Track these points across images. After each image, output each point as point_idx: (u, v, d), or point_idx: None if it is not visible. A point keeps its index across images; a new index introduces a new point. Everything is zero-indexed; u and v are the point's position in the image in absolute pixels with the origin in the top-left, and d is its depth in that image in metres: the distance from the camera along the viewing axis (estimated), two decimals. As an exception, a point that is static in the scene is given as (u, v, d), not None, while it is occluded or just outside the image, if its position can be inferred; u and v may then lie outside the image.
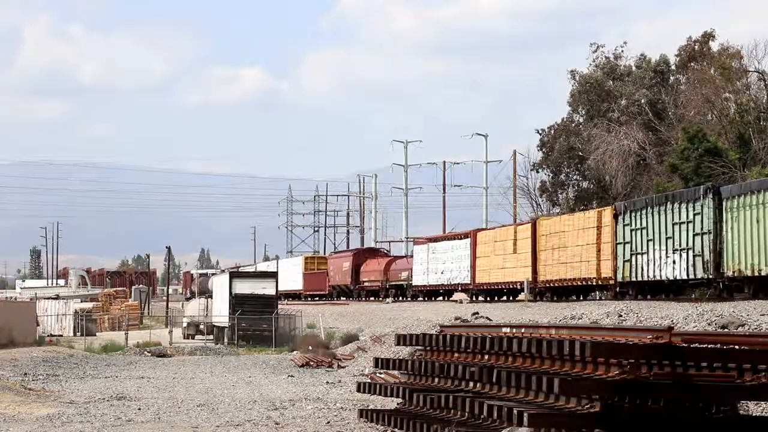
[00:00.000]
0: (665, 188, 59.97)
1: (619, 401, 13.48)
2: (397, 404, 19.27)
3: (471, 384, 16.28)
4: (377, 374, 28.72)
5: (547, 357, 14.70)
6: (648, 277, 42.41)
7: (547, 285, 50.94)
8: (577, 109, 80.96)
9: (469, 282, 59.16)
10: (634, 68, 78.38)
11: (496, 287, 56.91)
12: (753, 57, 66.52)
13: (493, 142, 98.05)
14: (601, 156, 71.58)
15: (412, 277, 67.75)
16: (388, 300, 71.64)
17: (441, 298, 63.68)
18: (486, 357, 16.67)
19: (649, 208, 42.73)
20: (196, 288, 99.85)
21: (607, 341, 14.38)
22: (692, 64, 74.64)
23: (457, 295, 61.59)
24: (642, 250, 42.84)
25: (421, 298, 63.76)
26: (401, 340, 20.55)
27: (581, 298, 49.92)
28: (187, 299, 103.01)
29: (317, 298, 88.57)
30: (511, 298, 54.97)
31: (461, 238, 61.35)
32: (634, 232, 43.49)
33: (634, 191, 69.80)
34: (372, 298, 75.09)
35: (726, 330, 24.18)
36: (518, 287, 53.81)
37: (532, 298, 51.42)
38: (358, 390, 20.99)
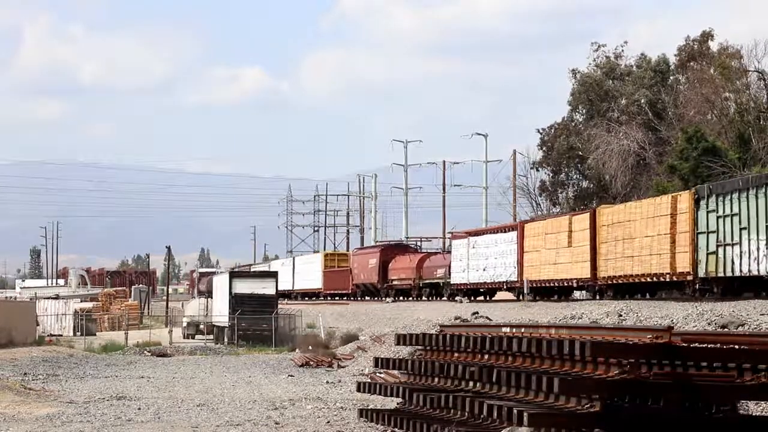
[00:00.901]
0: (665, 188, 60.00)
1: (619, 401, 13.48)
2: (397, 404, 19.27)
3: (471, 384, 16.28)
4: (377, 374, 28.73)
5: (547, 357, 14.70)
6: (740, 272, 36.33)
7: (610, 282, 44.77)
8: (577, 109, 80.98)
9: (515, 279, 53.20)
10: (634, 68, 78.40)
11: (546, 285, 50.70)
12: (753, 57, 66.57)
13: (493, 141, 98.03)
14: (601, 156, 71.59)
15: (449, 274, 61.01)
16: (388, 300, 71.58)
17: (482, 297, 58.07)
18: (486, 357, 16.67)
19: (743, 191, 36.28)
20: (204, 287, 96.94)
21: (607, 341, 14.38)
22: (692, 63, 74.66)
23: (500, 294, 57.44)
24: (732, 240, 36.71)
25: (459, 298, 57.46)
26: (401, 339, 20.55)
27: (648, 296, 44.05)
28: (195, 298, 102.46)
29: (338, 298, 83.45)
30: (563, 298, 49.87)
31: (506, 231, 55.68)
32: (722, 220, 37.41)
33: (633, 191, 69.83)
34: (402, 298, 69.35)
35: (726, 330, 24.18)
36: (573, 284, 48.75)
37: (591, 296, 46.36)
38: (358, 390, 20.99)
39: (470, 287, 58.49)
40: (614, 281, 44.40)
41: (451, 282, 60.54)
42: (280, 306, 65.63)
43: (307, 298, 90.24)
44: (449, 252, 63.90)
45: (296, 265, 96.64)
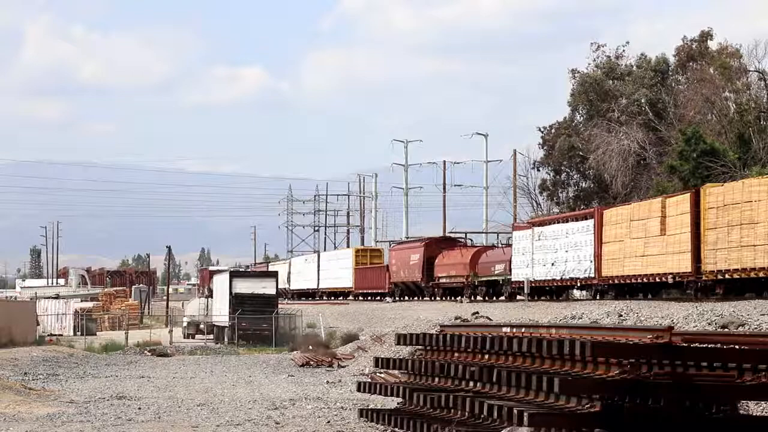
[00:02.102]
0: (665, 188, 60.00)
1: (619, 401, 13.49)
2: (398, 404, 19.28)
3: (471, 384, 16.28)
4: (377, 374, 28.71)
5: (547, 357, 14.70)
6: None
7: (721, 277, 37.10)
8: (577, 109, 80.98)
9: (592, 275, 46.16)
10: (634, 68, 78.39)
11: (632, 281, 43.33)
12: (753, 57, 66.56)
13: (493, 141, 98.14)
14: (602, 156, 71.58)
15: (510, 270, 54.01)
16: (388, 300, 71.55)
17: (545, 297, 51.54)
18: (486, 357, 16.68)
19: None
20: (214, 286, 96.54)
21: (608, 341, 14.39)
22: (691, 63, 74.67)
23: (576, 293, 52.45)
24: None
25: (521, 297, 52.16)
26: (401, 339, 20.56)
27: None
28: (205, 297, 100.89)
29: (370, 297, 77.23)
30: (649, 296, 42.97)
31: (580, 219, 48.71)
32: None
33: (634, 191, 69.81)
34: (450, 298, 62.07)
35: (726, 330, 24.19)
36: (668, 280, 40.78)
37: (693, 295, 39.10)
38: (359, 389, 21.00)
39: (535, 285, 51.49)
40: (729, 275, 36.69)
41: (512, 279, 53.68)
42: (280, 305, 65.64)
43: (333, 298, 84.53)
44: (509, 245, 56.97)
45: (322, 262, 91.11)
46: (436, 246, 66.66)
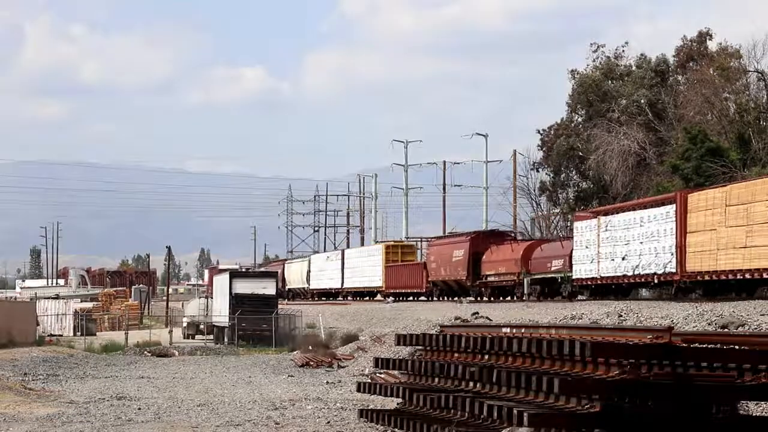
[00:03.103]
0: (666, 188, 59.96)
1: (619, 401, 13.48)
2: (397, 404, 19.27)
3: (471, 384, 16.28)
4: (377, 374, 28.71)
5: (547, 357, 14.70)
6: None
7: None
8: (576, 109, 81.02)
9: (673, 270, 39.92)
10: (634, 68, 78.42)
11: (728, 277, 36.80)
12: (752, 57, 66.56)
13: (493, 142, 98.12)
14: (601, 156, 71.60)
15: (570, 266, 48.35)
16: (388, 300, 71.48)
17: (612, 296, 45.03)
18: (486, 357, 16.67)
19: None
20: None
21: (608, 341, 14.39)
22: (691, 64, 74.70)
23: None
24: None
25: (582, 297, 46.79)
26: (401, 340, 20.55)
27: None
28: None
29: (403, 298, 71.03)
30: (744, 295, 36.20)
31: (657, 205, 42.33)
32: None
33: (634, 191, 69.81)
34: (501, 298, 56.58)
35: (726, 330, 24.19)
36: None
37: None
38: (358, 390, 21.00)
39: (602, 282, 45.58)
40: None
41: (574, 276, 47.84)
42: (280, 306, 65.60)
43: (359, 298, 78.98)
44: (568, 238, 52.04)
45: (346, 259, 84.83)
46: (483, 240, 60.02)
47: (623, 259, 43.63)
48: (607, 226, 45.27)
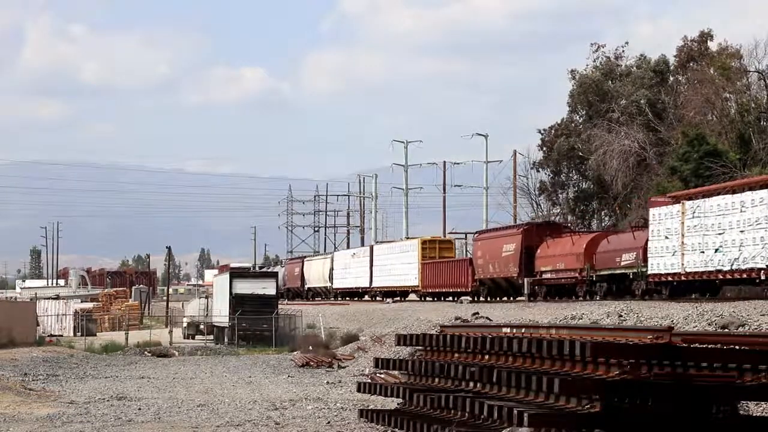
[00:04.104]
0: (666, 188, 59.95)
1: (619, 401, 13.49)
2: (398, 404, 19.27)
3: (471, 384, 16.28)
4: (377, 374, 28.72)
5: (547, 357, 14.70)
6: None
7: None
8: (576, 110, 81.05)
9: None
10: (634, 68, 78.47)
11: None
12: (753, 57, 66.57)
13: (493, 142, 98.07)
14: (602, 156, 71.62)
15: (644, 260, 42.68)
16: (388, 300, 71.41)
17: (696, 295, 39.55)
18: (486, 357, 16.66)
19: None
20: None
21: (608, 341, 14.39)
22: (691, 64, 74.73)
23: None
24: None
25: (665, 294, 40.71)
26: (401, 340, 20.55)
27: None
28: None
29: (441, 298, 65.06)
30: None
31: (760, 187, 36.42)
32: None
33: (634, 191, 69.83)
34: (557, 298, 50.23)
35: (726, 330, 24.20)
36: None
37: None
38: (359, 390, 21.01)
39: (687, 279, 39.75)
40: None
41: (651, 272, 41.86)
42: (280, 306, 65.56)
43: (389, 299, 72.54)
44: (640, 228, 46.65)
45: (375, 256, 78.08)
46: (537, 233, 54.50)
47: (716, 251, 37.82)
48: (695, 213, 39.38)
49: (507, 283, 55.89)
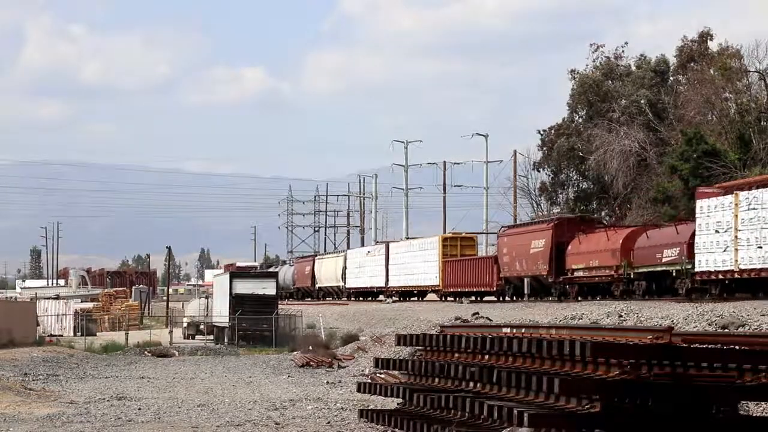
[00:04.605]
0: (666, 189, 59.99)
1: (619, 401, 13.49)
2: (398, 404, 19.28)
3: (471, 384, 16.28)
4: (377, 374, 28.71)
5: (547, 357, 14.70)
6: None
7: None
8: (576, 110, 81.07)
9: None
10: (633, 68, 78.48)
11: None
12: (754, 57, 66.56)
13: (493, 142, 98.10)
14: (602, 156, 71.62)
15: (688, 256, 39.86)
16: (388, 300, 71.37)
17: (751, 294, 36.22)
18: (486, 357, 16.66)
19: None
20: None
21: (608, 341, 14.39)
22: (691, 64, 74.74)
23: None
24: None
25: (715, 293, 38.04)
26: (401, 340, 20.56)
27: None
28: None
29: (465, 298, 61.05)
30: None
31: None
32: None
33: (634, 191, 69.82)
34: (593, 298, 47.03)
35: (726, 330, 24.20)
36: None
37: None
38: (359, 390, 21.01)
39: (741, 276, 36.56)
40: None
41: (697, 269, 38.85)
42: (280, 306, 65.52)
43: (407, 299, 70.55)
44: (684, 221, 43.98)
45: (392, 254, 74.72)
46: (568, 228, 51.48)
47: None
48: (751, 204, 36.06)
49: (535, 281, 53.32)
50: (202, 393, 29.89)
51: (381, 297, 76.12)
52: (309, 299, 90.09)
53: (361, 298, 79.67)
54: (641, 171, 70.83)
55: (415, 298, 69.73)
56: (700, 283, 39.10)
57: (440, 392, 16.78)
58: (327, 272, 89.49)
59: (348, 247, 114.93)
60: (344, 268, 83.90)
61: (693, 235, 39.58)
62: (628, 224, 53.77)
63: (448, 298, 63.96)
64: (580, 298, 47.88)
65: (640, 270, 43.83)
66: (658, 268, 42.58)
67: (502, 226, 64.68)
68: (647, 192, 66.39)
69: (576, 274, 48.96)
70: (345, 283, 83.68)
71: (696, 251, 38.90)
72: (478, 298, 59.41)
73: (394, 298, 72.10)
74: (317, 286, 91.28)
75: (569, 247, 49.73)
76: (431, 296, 68.19)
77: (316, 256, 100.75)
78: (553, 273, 50.51)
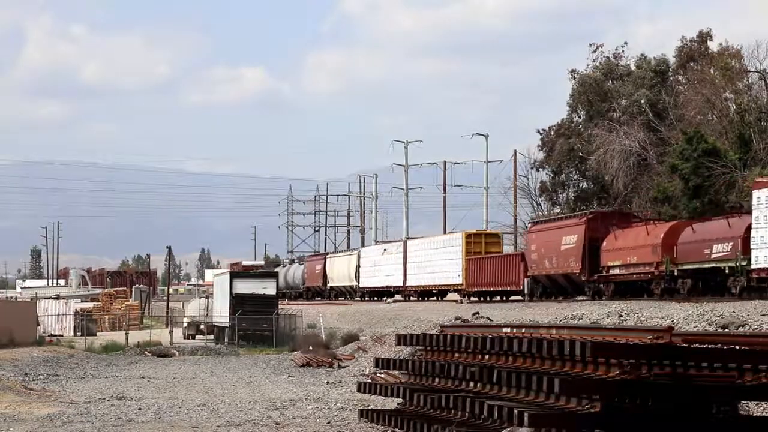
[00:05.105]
0: (666, 188, 59.94)
1: (619, 401, 13.49)
2: (398, 404, 19.28)
3: (471, 384, 16.29)
4: (378, 374, 28.72)
5: (547, 357, 14.71)
6: None
7: None
8: (576, 110, 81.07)
9: None
10: (633, 68, 78.47)
11: None
12: (754, 57, 66.55)
13: (493, 142, 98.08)
14: (602, 156, 71.61)
15: (744, 252, 37.19)
16: (389, 300, 71.33)
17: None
18: (486, 357, 16.67)
19: None
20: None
21: (608, 341, 14.40)
22: (691, 64, 74.73)
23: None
24: None
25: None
26: (402, 340, 20.56)
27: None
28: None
29: (488, 298, 59.24)
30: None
31: None
32: None
33: (634, 191, 69.80)
34: (632, 297, 43.31)
35: (726, 330, 24.21)
36: None
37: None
38: (359, 390, 21.01)
39: None
40: None
41: (753, 265, 36.40)
42: (281, 306, 65.51)
43: (426, 298, 67.65)
44: (737, 214, 41.19)
45: (410, 252, 71.61)
46: (603, 222, 48.75)
47: None
48: None
49: (566, 280, 50.64)
50: (203, 393, 29.89)
51: (398, 297, 73.12)
52: (319, 299, 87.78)
53: (376, 299, 76.96)
54: (641, 171, 70.81)
55: (434, 299, 66.93)
56: (756, 281, 36.39)
57: (440, 392, 16.79)
58: (339, 271, 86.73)
59: (348, 247, 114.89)
60: (358, 267, 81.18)
61: (748, 228, 36.88)
62: (667, 219, 50.50)
63: (472, 298, 60.97)
64: (616, 296, 44.99)
65: (685, 267, 40.85)
66: (707, 265, 39.59)
67: (530, 221, 60.63)
68: (647, 192, 66.35)
69: (612, 271, 46.27)
70: (359, 283, 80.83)
71: (752, 246, 36.18)
72: (503, 298, 57.18)
73: (414, 298, 69.72)
74: (329, 285, 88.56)
75: (604, 243, 47.12)
76: (452, 296, 65.25)
77: (327, 254, 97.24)
78: (586, 271, 47.84)
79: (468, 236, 64.46)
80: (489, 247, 63.40)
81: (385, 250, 77.16)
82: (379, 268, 76.74)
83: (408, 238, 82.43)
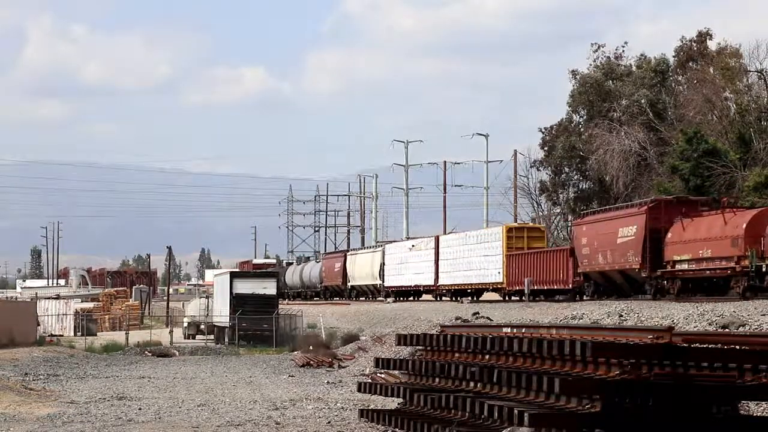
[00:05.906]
0: (666, 188, 59.97)
1: (619, 401, 13.50)
2: (398, 404, 19.29)
3: (471, 384, 16.29)
4: (378, 374, 28.74)
5: (547, 357, 14.71)
6: None
7: None
8: (577, 110, 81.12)
9: None
10: (634, 68, 78.52)
11: None
12: (754, 57, 66.58)
13: (493, 142, 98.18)
14: (602, 156, 71.65)
15: None
16: (388, 300, 71.32)
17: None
18: (487, 357, 16.68)
19: None
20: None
21: (608, 341, 14.40)
22: (691, 64, 74.77)
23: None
24: None
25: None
26: (402, 340, 20.56)
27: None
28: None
29: (539, 298, 53.19)
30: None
31: None
32: None
33: (634, 191, 69.84)
34: (705, 296, 38.20)
35: (727, 330, 24.21)
36: None
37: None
38: (359, 390, 21.01)
39: None
40: None
41: None
42: (282, 306, 65.51)
43: (458, 299, 61.61)
44: None
45: (443, 248, 65.85)
46: (666, 211, 42.72)
47: None
48: None
49: (623, 277, 45.28)
50: (203, 393, 29.89)
51: (428, 297, 68.09)
52: (338, 299, 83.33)
53: (402, 298, 72.09)
54: (642, 171, 70.86)
55: (469, 299, 60.98)
56: None
57: (441, 392, 16.79)
58: (361, 269, 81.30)
59: (348, 247, 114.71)
60: (382, 265, 75.53)
61: None
62: (749, 207, 43.85)
63: (512, 298, 56.21)
64: (683, 296, 39.57)
65: None
66: None
67: (582, 212, 56.46)
68: (648, 192, 66.38)
69: (678, 267, 40.42)
70: (383, 282, 75.29)
71: None
72: (543, 297, 52.55)
73: (446, 298, 64.92)
74: (349, 284, 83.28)
75: (669, 235, 41.28)
76: (489, 295, 60.63)
77: (348, 251, 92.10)
78: (647, 266, 42.10)
79: (509, 230, 59.21)
80: (532, 242, 58.14)
81: (413, 246, 71.47)
82: (407, 265, 71.44)
83: (448, 232, 77.72)
